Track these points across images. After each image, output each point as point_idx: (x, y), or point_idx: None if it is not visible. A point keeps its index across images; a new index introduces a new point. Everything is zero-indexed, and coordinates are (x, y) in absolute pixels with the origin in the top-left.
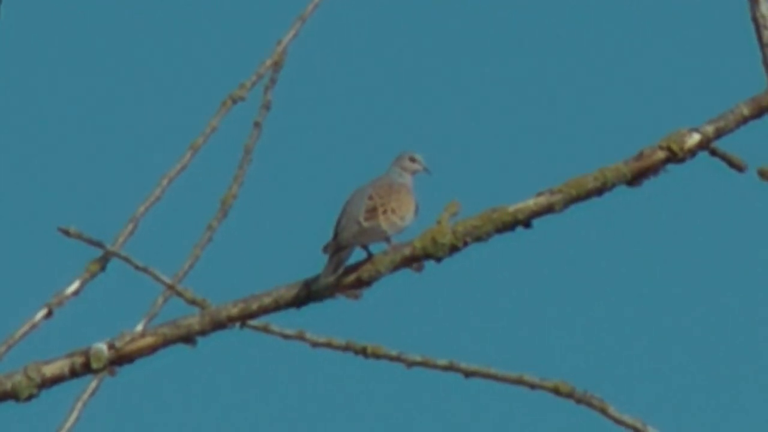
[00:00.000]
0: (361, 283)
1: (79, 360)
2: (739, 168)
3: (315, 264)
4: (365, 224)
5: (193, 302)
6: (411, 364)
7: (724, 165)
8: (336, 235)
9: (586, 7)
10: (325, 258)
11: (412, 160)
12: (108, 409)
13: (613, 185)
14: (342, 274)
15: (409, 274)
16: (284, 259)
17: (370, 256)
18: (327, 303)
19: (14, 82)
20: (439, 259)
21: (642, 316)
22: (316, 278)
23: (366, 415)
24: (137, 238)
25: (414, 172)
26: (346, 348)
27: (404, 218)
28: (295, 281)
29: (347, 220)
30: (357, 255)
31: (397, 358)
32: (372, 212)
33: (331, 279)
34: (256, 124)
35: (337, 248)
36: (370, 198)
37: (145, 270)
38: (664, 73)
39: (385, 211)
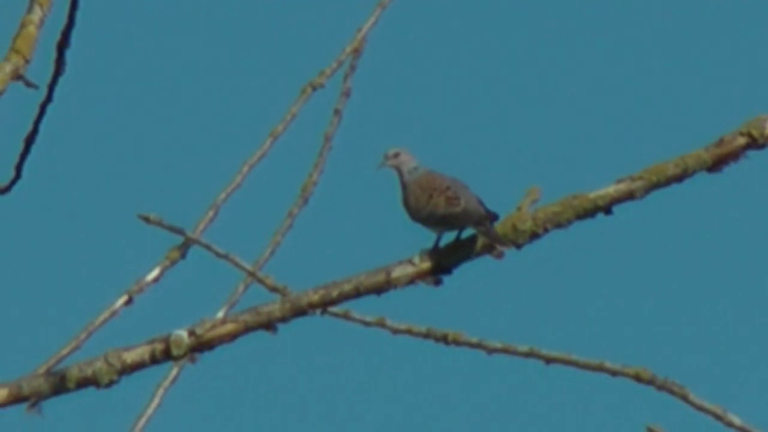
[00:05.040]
0: (442, 270)
1: (159, 347)
2: None
3: (395, 251)
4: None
5: (273, 289)
6: (491, 351)
7: None
8: (477, 209)
9: None
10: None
11: (396, 155)
12: (188, 396)
13: (694, 172)
14: (422, 260)
15: (490, 261)
16: (364, 246)
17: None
18: (407, 290)
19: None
20: (519, 246)
21: (723, 304)
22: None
23: (447, 402)
24: (218, 226)
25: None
26: (427, 335)
27: None
28: (375, 268)
29: (471, 199)
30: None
31: (477, 345)
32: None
33: (510, 246)
34: (336, 112)
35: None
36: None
37: (225, 257)
38: (746, 59)
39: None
